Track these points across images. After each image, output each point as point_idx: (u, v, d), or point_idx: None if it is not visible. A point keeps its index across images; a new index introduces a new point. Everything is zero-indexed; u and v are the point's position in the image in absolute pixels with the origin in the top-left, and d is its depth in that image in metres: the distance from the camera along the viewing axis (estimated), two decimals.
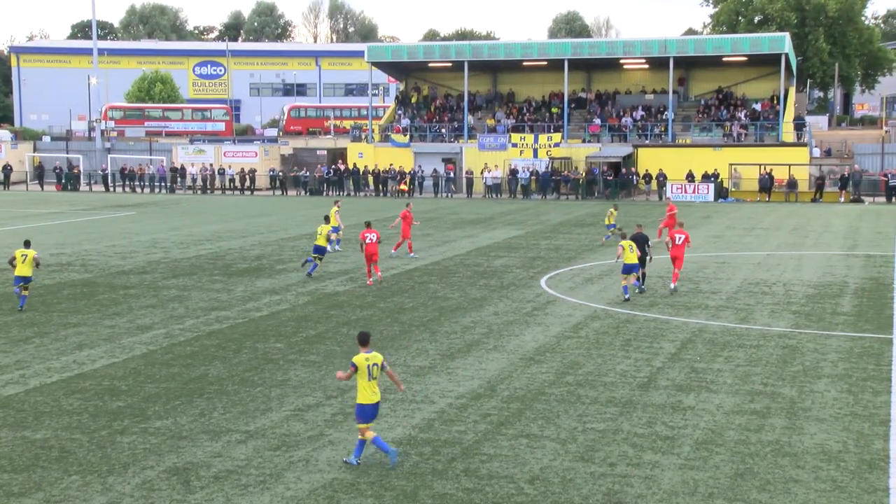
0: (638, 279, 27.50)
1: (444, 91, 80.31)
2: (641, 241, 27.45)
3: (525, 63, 74.46)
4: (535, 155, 69.61)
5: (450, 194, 68.65)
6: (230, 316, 24.93)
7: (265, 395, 17.50)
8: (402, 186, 68.74)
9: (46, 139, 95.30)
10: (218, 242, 40.53)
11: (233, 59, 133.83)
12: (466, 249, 38.24)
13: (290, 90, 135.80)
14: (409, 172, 69.64)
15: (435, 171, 69.98)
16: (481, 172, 68.77)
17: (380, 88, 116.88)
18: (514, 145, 70.45)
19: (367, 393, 13.55)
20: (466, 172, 69.69)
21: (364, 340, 13.76)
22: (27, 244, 26.30)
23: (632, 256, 26.40)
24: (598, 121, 72.26)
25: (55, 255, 36.25)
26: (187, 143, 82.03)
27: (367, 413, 13.59)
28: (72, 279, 30.89)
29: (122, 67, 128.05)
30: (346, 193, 69.73)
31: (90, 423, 15.75)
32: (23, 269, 25.34)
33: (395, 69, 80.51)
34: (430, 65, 77.01)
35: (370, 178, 70.71)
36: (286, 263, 34.16)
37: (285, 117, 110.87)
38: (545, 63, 73.75)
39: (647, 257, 27.72)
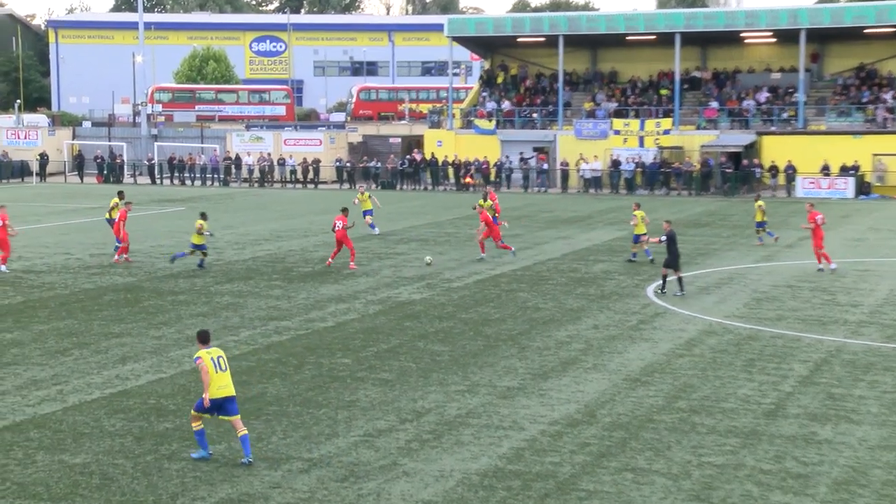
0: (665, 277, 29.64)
1: (536, 70, 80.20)
2: (671, 240, 29.14)
3: (629, 37, 73.92)
4: (641, 144, 69.05)
5: (542, 189, 68.52)
6: (291, 326, 25.19)
7: (331, 417, 17.63)
8: (468, 179, 68.71)
9: (87, 125, 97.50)
10: (277, 242, 41.04)
11: (294, 34, 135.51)
12: (561, 252, 38.11)
13: (359, 69, 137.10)
14: (474, 163, 69.60)
15: (525, 161, 69.91)
16: (577, 164, 68.48)
17: (461, 67, 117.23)
18: (617, 132, 69.99)
19: (213, 388, 15.06)
20: (561, 164, 69.45)
21: (204, 339, 15.35)
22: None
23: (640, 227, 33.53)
24: (714, 104, 71.39)
25: (95, 257, 37.07)
26: (243, 130, 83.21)
27: (206, 405, 15.21)
28: (114, 283, 31.55)
29: (170, 44, 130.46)
30: (423, 188, 70.04)
31: (134, 447, 16.03)
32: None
33: (480, 45, 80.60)
34: (520, 40, 76.94)
35: (450, 171, 70.92)
36: (357, 267, 34.38)
37: (354, 100, 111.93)
38: (653, 37, 73.11)
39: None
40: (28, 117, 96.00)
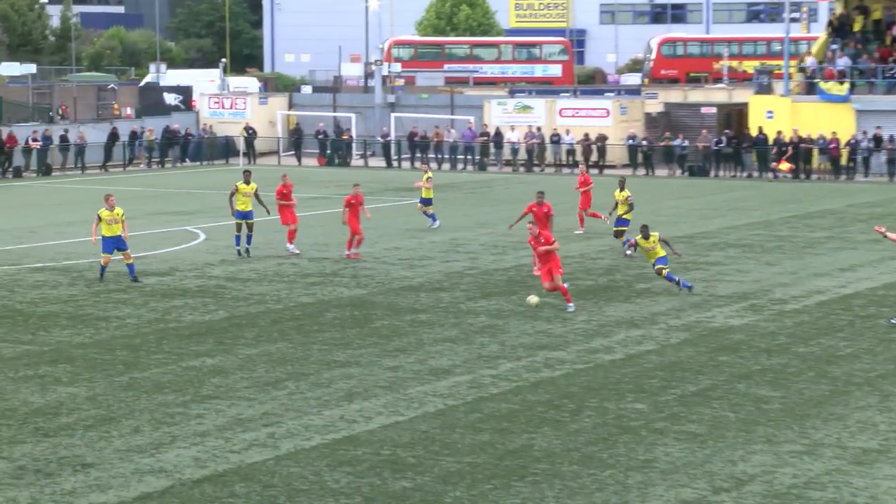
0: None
1: None
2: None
3: None
4: None
5: None
6: (567, 358, 25.31)
7: (619, 481, 17.62)
8: (783, 164, 66.84)
9: (306, 90, 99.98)
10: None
11: None
12: None
13: (661, 15, 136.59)
14: (818, 140, 67.65)
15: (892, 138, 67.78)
16: None
17: (802, 10, 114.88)
18: None
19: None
20: None
21: None
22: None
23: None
24: None
25: (315, 261, 38.34)
26: (505, 96, 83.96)
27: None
28: (338, 296, 32.55)
29: None
30: (746, 174, 68.93)
31: None
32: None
33: None
34: None
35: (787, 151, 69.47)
36: (651, 281, 34.24)
37: (654, 56, 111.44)
38: None
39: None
40: (235, 81, 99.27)
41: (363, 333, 27.86)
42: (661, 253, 32.15)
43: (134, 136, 77.20)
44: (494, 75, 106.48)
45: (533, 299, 29.72)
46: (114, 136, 76.06)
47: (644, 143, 73.30)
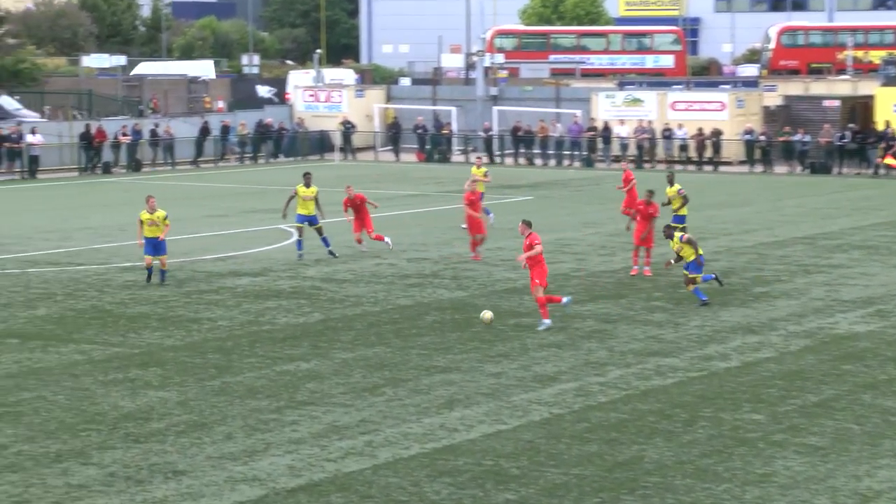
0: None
1: None
2: None
3: None
4: None
5: None
6: (679, 366, 25.25)
7: (735, 496, 17.55)
8: (889, 159, 65.70)
9: (405, 82, 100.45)
10: (661, 247, 41.10)
11: None
12: None
13: (780, 2, 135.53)
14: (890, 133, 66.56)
15: None
16: None
17: None
18: None
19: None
20: None
21: None
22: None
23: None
24: None
25: (414, 262, 38.49)
26: (614, 89, 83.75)
27: None
28: (438, 298, 32.68)
29: None
30: (872, 171, 68.13)
31: None
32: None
33: None
34: None
35: None
36: (770, 284, 34.00)
37: (773, 46, 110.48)
38: None
39: None
40: (330, 73, 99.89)
41: (464, 338, 27.95)
42: (690, 256, 31.68)
43: (226, 130, 77.79)
44: (602, 66, 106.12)
45: (487, 315, 28.86)
46: (205, 131, 76.71)
47: (762, 138, 72.71)
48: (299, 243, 39.06)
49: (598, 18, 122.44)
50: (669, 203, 39.14)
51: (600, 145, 75.94)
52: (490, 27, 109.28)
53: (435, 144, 79.84)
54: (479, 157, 51.59)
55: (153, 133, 74.63)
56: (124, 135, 72.25)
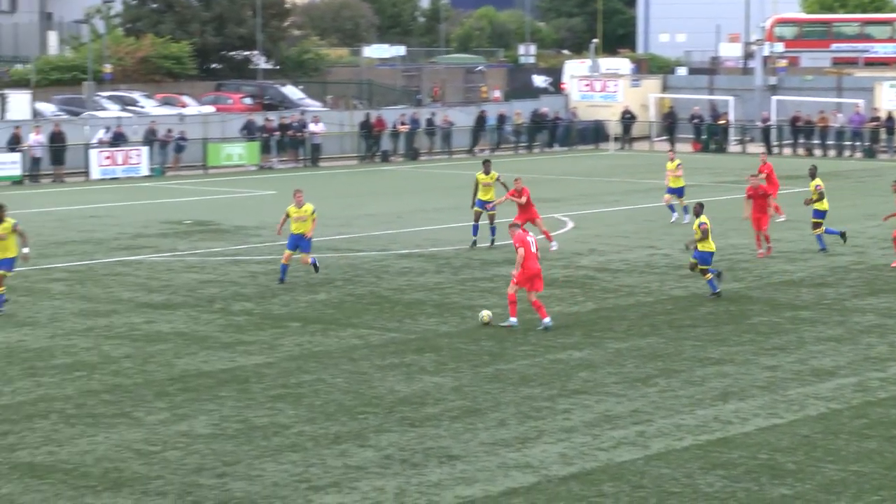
0: None
1: None
2: None
3: None
4: None
5: None
6: None
7: None
8: None
9: (681, 72, 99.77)
10: None
11: None
12: None
13: None
14: None
15: None
16: None
17: None
18: None
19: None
20: None
21: None
22: None
23: None
24: None
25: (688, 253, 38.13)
26: None
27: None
28: (707, 290, 32.38)
29: None
30: None
31: None
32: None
33: None
34: None
35: None
36: None
37: None
38: None
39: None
40: (606, 62, 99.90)
41: (739, 330, 27.69)
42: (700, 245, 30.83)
43: (502, 119, 78.38)
44: (888, 55, 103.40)
45: (485, 314, 28.31)
46: (481, 120, 77.44)
47: None
48: (475, 228, 38.96)
49: (884, 6, 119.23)
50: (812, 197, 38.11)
51: (883, 136, 74.29)
52: (770, 15, 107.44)
53: (711, 134, 79.20)
54: (671, 151, 50.49)
55: (430, 122, 75.67)
56: (402, 124, 73.37)
